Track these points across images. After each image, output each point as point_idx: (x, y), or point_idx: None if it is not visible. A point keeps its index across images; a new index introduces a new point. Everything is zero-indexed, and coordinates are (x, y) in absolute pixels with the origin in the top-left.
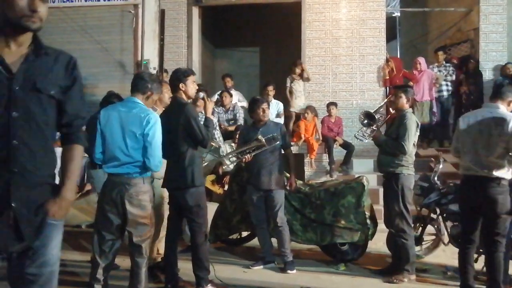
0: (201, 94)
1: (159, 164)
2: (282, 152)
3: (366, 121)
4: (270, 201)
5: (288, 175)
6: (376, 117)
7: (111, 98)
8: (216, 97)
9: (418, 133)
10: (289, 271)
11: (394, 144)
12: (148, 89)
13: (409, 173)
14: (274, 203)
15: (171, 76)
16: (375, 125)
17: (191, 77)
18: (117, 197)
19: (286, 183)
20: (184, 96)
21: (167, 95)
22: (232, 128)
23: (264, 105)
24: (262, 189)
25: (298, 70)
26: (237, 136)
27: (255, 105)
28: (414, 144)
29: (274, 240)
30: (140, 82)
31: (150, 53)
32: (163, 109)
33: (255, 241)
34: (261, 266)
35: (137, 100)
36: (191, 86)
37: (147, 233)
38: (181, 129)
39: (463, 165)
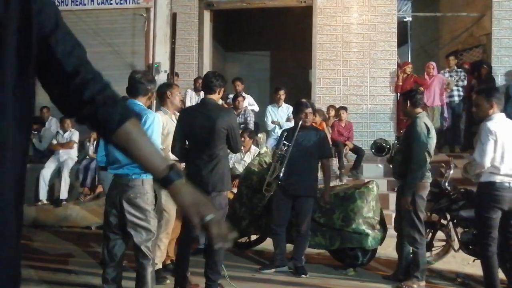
0: (220, 101)
1: None
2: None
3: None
4: (297, 208)
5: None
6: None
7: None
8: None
9: (434, 139)
10: (303, 275)
11: (412, 173)
12: (149, 91)
13: (424, 181)
14: (301, 211)
15: (214, 78)
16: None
17: (225, 84)
18: (116, 198)
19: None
20: (216, 100)
21: (178, 97)
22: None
23: (308, 110)
24: (290, 194)
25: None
26: (242, 139)
27: (299, 109)
28: (429, 151)
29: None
30: (141, 86)
31: (161, 56)
32: (174, 112)
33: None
34: (273, 270)
35: (137, 102)
36: (222, 93)
37: (148, 236)
38: (225, 134)
39: (502, 172)
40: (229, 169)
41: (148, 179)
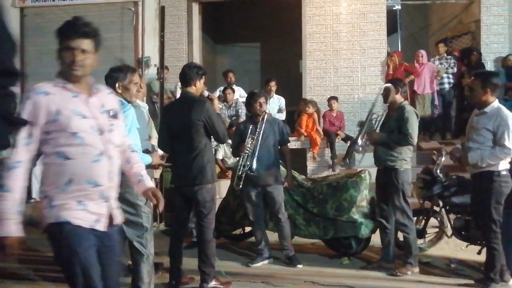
0: (206, 93)
1: None
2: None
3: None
4: (269, 198)
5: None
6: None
7: None
8: (218, 93)
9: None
10: (299, 266)
11: (399, 136)
12: (118, 80)
13: (407, 168)
14: (274, 200)
15: (188, 69)
16: (364, 131)
17: (204, 76)
18: None
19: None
20: (195, 93)
21: (144, 86)
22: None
23: (262, 99)
24: (260, 184)
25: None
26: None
27: (252, 99)
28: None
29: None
30: (109, 81)
31: (150, 50)
32: (140, 101)
33: None
34: (260, 263)
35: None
36: (203, 84)
37: (140, 231)
38: (201, 126)
39: None
40: (211, 161)
41: None
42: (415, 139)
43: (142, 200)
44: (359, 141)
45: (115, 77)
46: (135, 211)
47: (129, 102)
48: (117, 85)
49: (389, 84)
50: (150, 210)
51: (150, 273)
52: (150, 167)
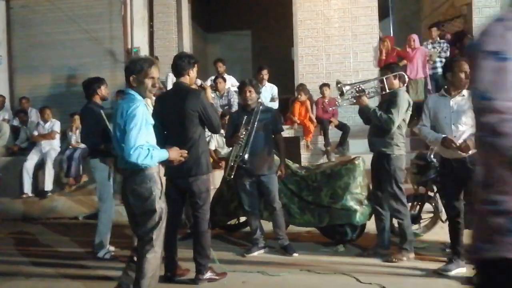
0: (199, 81)
1: (132, 154)
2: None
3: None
4: (263, 187)
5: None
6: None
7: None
8: (209, 82)
9: (410, 112)
10: (294, 254)
11: (383, 116)
12: (133, 73)
13: (400, 154)
14: (268, 189)
15: (179, 60)
16: (361, 90)
17: (196, 64)
18: (122, 190)
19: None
20: (189, 82)
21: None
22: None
23: (249, 88)
24: (254, 174)
25: None
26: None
27: (241, 89)
28: (405, 122)
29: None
30: (125, 75)
31: (140, 41)
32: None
33: None
34: (256, 253)
35: (129, 91)
36: (195, 73)
37: (152, 226)
38: (196, 116)
39: None
40: (206, 152)
41: (146, 168)
42: (395, 125)
43: (156, 194)
44: (344, 90)
45: (131, 69)
46: (148, 206)
47: (144, 97)
48: (131, 78)
49: (386, 70)
50: (164, 206)
51: (155, 266)
52: (167, 162)
